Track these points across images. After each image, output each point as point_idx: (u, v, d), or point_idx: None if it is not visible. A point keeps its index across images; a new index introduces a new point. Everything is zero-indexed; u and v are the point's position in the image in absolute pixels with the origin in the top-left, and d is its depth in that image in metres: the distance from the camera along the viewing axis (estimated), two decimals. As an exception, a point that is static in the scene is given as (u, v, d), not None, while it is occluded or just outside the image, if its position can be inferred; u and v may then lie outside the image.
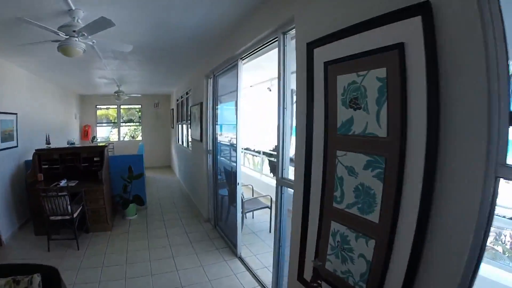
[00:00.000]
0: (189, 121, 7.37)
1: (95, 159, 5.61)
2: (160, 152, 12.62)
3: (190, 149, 7.41)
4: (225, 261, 4.10)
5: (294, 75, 2.64)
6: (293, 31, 2.49)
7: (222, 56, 4.26)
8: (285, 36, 2.61)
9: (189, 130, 7.43)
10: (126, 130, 13.32)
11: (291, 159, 2.74)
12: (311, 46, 1.98)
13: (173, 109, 11.21)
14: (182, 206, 6.84)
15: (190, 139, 7.45)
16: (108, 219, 5.17)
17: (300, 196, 2.16)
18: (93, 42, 3.04)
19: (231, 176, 4.50)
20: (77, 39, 2.81)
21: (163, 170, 11.95)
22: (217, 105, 5.14)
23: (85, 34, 2.74)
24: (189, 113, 7.35)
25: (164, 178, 10.40)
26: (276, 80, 6.28)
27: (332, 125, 1.81)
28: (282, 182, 2.74)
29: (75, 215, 4.41)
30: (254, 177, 8.34)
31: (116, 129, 12.77)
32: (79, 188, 4.90)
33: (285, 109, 2.64)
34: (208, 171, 5.53)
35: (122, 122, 12.79)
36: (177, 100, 9.83)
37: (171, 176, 10.67)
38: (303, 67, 2.07)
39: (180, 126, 9.57)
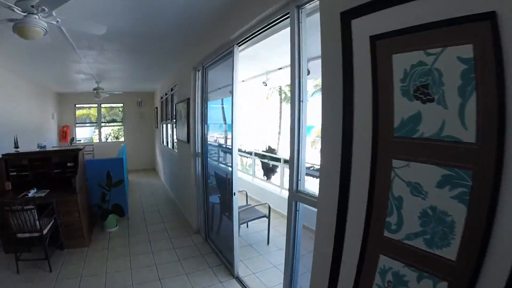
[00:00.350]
0: (174, 120, 6.81)
1: (68, 164, 5.01)
2: (143, 153, 12.00)
3: (176, 151, 6.86)
4: (221, 283, 3.58)
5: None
6: (311, 5, 2.04)
7: (214, 43, 3.75)
8: (300, 10, 2.13)
9: (174, 130, 6.87)
10: (110, 131, 12.78)
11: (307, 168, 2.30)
12: (347, 17, 1.49)
13: (157, 107, 10.61)
14: (168, 215, 6.26)
15: (175, 140, 6.91)
16: (84, 234, 4.60)
17: (330, 219, 1.68)
18: (58, 21, 2.50)
19: (226, 184, 4.01)
20: (36, 16, 2.28)
21: (147, 173, 11.34)
22: (207, 102, 4.61)
23: (46, 9, 2.21)
24: (174, 111, 6.80)
25: (148, 182, 9.80)
26: (273, 73, 5.97)
27: (385, 123, 1.34)
28: (298, 197, 2.26)
29: (45, 231, 3.83)
30: (246, 180, 7.85)
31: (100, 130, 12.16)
32: (50, 199, 4.31)
33: (301, 103, 2.17)
34: (196, 177, 5.01)
35: (104, 122, 12.19)
36: (161, 98, 9.24)
37: (155, 180, 10.08)
38: (335, 45, 1.59)
39: (164, 126, 9.01)
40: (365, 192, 1.46)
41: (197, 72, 4.88)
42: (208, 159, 4.65)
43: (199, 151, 4.85)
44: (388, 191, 1.35)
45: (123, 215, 5.41)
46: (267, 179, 8.16)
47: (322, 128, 1.75)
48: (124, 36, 4.09)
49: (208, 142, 4.66)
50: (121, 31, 3.82)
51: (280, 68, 5.57)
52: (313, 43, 2.01)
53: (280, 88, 21.07)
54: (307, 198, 2.15)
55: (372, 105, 1.39)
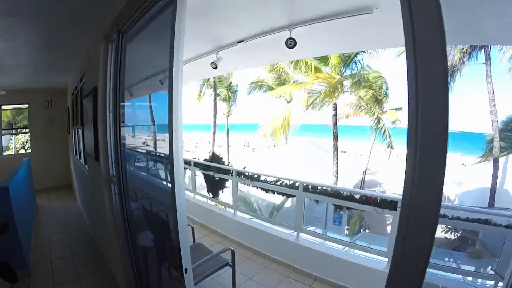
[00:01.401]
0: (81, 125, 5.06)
1: None
2: (56, 167, 9.80)
3: (87, 167, 5.09)
4: None
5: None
6: None
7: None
8: None
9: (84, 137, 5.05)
10: (27, 138, 11.26)
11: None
12: None
13: (68, 107, 8.55)
14: (86, 264, 4.43)
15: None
16: None
17: None
18: None
19: (165, 230, 2.50)
20: None
21: (61, 192, 9.25)
22: (123, 90, 2.91)
23: None
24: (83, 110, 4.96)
25: (61, 207, 7.78)
26: (228, 49, 4.21)
27: None
28: None
29: None
30: (186, 198, 6.22)
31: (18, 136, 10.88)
32: None
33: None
34: (114, 215, 3.32)
35: (15, 128, 11.05)
36: (72, 94, 7.27)
37: (71, 202, 8.10)
38: None
39: (76, 131, 7.06)
40: None
41: (109, 44, 3.19)
42: (130, 185, 2.97)
43: (114, 174, 3.16)
44: None
45: (15, 279, 3.43)
46: (213, 197, 6.70)
47: None
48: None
49: (131, 158, 3.05)
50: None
51: (241, 41, 4.00)
52: None
53: (215, 83, 19.72)
54: None
55: None
